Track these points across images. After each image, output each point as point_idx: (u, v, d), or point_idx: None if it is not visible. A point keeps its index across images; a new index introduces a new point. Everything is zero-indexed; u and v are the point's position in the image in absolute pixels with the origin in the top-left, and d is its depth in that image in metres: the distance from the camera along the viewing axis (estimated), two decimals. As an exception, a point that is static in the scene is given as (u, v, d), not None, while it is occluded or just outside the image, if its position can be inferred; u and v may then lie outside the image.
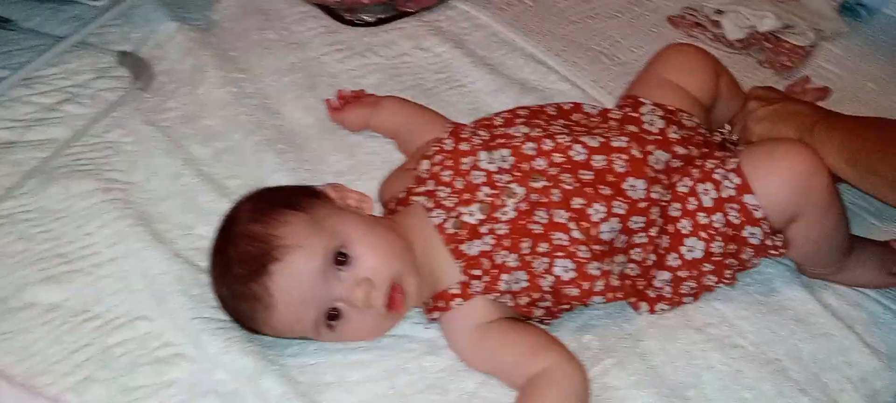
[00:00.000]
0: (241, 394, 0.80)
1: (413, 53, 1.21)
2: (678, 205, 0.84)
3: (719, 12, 1.21)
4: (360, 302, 0.78)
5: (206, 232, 0.93)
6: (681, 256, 0.84)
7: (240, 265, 0.78)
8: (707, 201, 0.83)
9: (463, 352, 0.84)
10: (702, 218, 0.83)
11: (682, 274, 0.85)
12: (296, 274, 0.77)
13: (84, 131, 1.06)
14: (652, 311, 0.87)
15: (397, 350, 0.85)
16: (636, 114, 0.92)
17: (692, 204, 0.84)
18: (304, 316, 0.79)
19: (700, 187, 0.84)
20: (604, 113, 0.95)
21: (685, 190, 0.85)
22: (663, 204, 0.85)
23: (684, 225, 0.84)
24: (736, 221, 0.82)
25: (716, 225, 0.83)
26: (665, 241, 0.85)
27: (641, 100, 0.94)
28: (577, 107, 0.97)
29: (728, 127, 0.95)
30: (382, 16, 1.26)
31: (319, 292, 0.78)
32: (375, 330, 0.83)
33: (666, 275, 0.86)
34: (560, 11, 1.31)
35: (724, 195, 0.82)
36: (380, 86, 1.15)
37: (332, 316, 0.80)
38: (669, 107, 0.93)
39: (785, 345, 0.86)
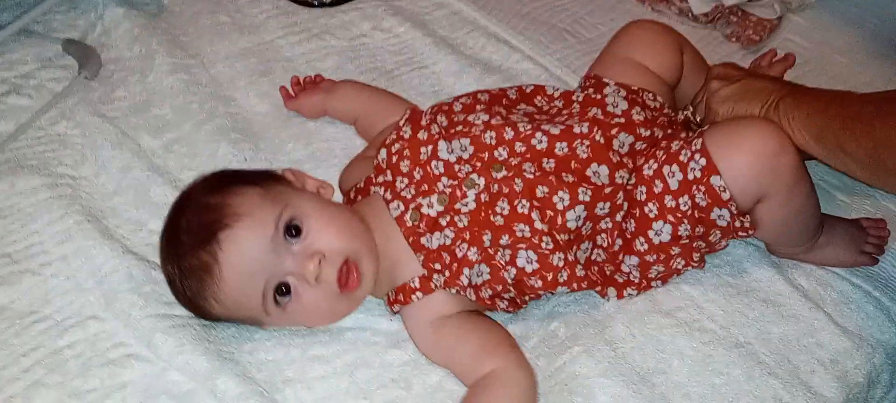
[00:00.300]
0: (196, 395, 0.77)
1: (372, 35, 1.17)
2: (643, 189, 0.83)
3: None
4: (311, 274, 0.75)
5: (157, 228, 0.90)
6: (648, 240, 0.83)
7: (189, 234, 0.76)
8: (673, 183, 0.81)
9: (422, 345, 0.82)
10: (668, 201, 0.81)
11: (649, 258, 0.83)
12: (245, 241, 0.75)
13: (29, 124, 1.01)
14: (620, 297, 0.85)
15: (359, 343, 0.83)
16: (599, 96, 0.90)
17: (658, 186, 0.82)
18: (253, 289, 0.76)
19: (666, 169, 0.82)
20: (566, 95, 0.93)
21: (650, 173, 0.83)
22: (628, 187, 0.84)
23: (650, 208, 0.82)
24: (703, 203, 0.81)
25: (683, 207, 0.81)
26: (632, 225, 0.83)
27: (604, 80, 0.91)
28: (538, 89, 0.94)
29: (690, 108, 0.93)
30: (340, -4, 1.23)
31: (269, 263, 0.75)
32: (327, 312, 0.80)
33: (634, 260, 0.84)
34: (522, -12, 1.28)
35: (690, 177, 0.81)
36: (338, 69, 1.11)
37: (282, 291, 0.77)
38: (633, 88, 0.90)
39: (754, 328, 0.84)
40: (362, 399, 0.78)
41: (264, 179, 0.82)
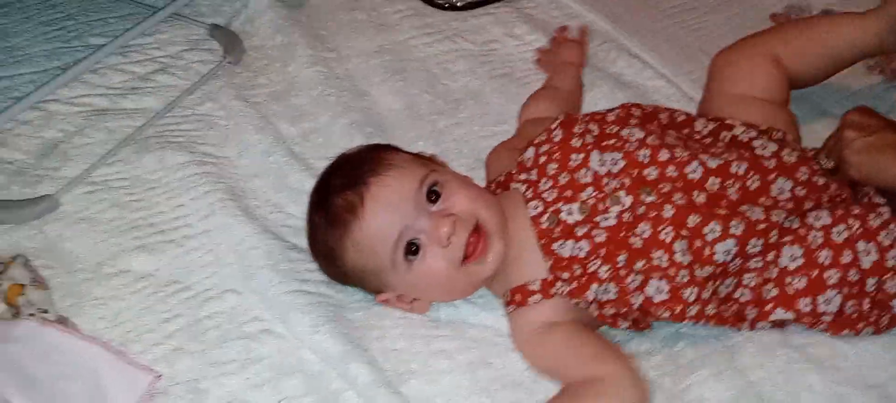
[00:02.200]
0: (326, 377, 0.80)
1: (503, 40, 1.19)
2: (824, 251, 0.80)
3: (828, 12, 1.16)
4: (443, 234, 0.78)
5: (295, 212, 0.94)
6: (814, 305, 0.80)
7: (342, 177, 0.82)
8: (866, 263, 0.79)
9: (524, 347, 0.82)
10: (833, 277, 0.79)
11: (807, 321, 0.81)
12: (390, 188, 0.79)
13: (176, 102, 1.07)
14: (752, 327, 0.83)
15: (482, 342, 0.84)
16: (742, 139, 0.87)
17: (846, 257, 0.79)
18: (388, 235, 0.78)
19: (860, 246, 0.79)
20: (715, 132, 0.91)
21: (826, 235, 0.80)
22: (787, 228, 0.81)
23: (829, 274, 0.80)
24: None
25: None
26: (798, 283, 0.80)
27: (727, 121, 0.89)
28: (688, 121, 0.93)
29: (824, 158, 0.90)
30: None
31: (408, 213, 0.79)
32: (446, 281, 0.81)
33: (787, 316, 0.81)
34: (655, 4, 1.27)
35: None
36: (469, 72, 1.13)
37: (412, 250, 0.79)
38: (762, 127, 0.88)
39: (890, 371, 0.81)
40: (485, 398, 0.79)
41: (415, 153, 0.87)
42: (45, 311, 0.79)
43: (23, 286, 0.80)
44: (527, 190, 0.85)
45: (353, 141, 1.02)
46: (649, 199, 0.81)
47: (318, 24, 1.19)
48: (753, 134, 0.88)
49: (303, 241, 0.90)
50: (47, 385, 0.72)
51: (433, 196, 0.81)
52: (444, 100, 1.10)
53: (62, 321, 0.79)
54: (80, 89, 1.08)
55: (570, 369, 0.78)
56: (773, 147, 0.86)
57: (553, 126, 0.89)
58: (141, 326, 0.83)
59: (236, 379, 0.79)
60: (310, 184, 0.88)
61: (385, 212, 0.79)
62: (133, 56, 1.13)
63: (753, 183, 0.83)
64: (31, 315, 0.77)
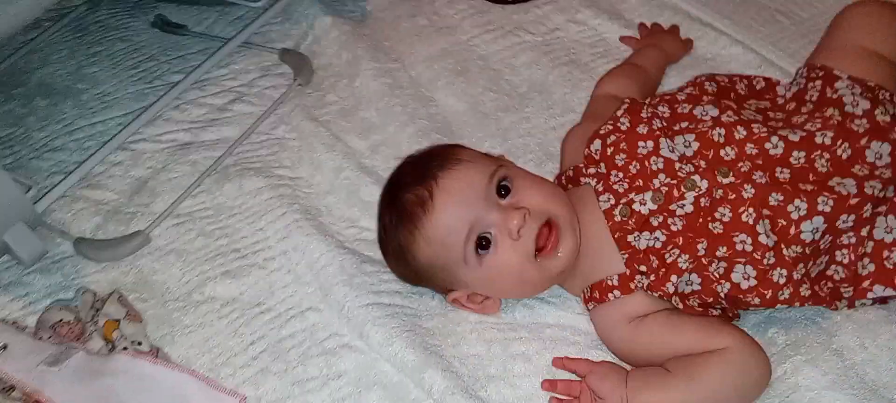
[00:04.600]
0: (405, 387, 0.81)
1: (566, 27, 1.16)
2: None
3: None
4: (514, 226, 0.77)
5: (368, 224, 0.96)
6: None
7: (411, 174, 0.82)
8: None
9: (617, 345, 0.79)
10: None
11: None
12: (460, 182, 0.79)
13: (252, 129, 1.10)
14: (850, 306, 0.78)
15: (560, 342, 0.82)
16: (834, 93, 0.82)
17: None
18: (458, 230, 0.78)
19: None
20: (799, 94, 0.85)
21: None
22: (880, 198, 0.75)
23: None
24: None
25: None
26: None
27: (835, 72, 0.83)
28: (770, 86, 0.88)
29: None
30: (532, -9, 1.23)
31: (478, 207, 0.78)
32: (517, 276, 0.80)
33: (887, 293, 0.76)
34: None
35: None
36: (532, 64, 1.11)
37: (483, 245, 0.79)
38: (870, 83, 0.82)
39: None
40: (565, 399, 0.78)
41: (483, 152, 0.87)
42: (139, 343, 0.84)
43: (118, 321, 0.85)
44: (597, 183, 0.83)
45: (420, 148, 1.03)
46: (727, 180, 0.77)
47: (380, 35, 1.20)
48: (848, 90, 0.81)
49: (377, 253, 0.91)
50: (142, 415, 0.76)
51: (503, 190, 0.80)
52: (508, 96, 1.09)
53: (155, 351, 0.84)
54: (163, 127, 1.13)
55: (680, 349, 0.75)
56: (865, 104, 0.80)
57: (619, 113, 0.86)
58: (228, 350, 0.86)
59: (319, 396, 0.81)
60: (380, 195, 0.89)
61: (455, 206, 0.78)
62: (210, 89, 1.17)
63: (844, 151, 0.77)
64: (125, 348, 0.81)
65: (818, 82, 0.84)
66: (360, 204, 0.99)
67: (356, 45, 1.17)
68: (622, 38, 1.11)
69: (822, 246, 0.76)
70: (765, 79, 0.89)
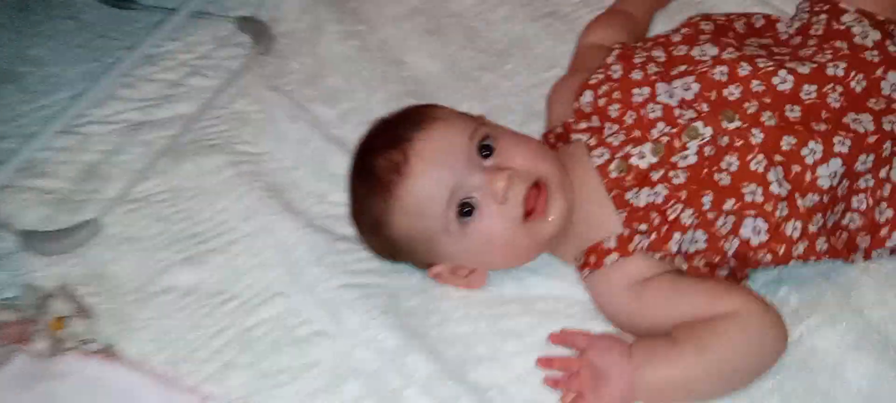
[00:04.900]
0: (385, 374, 0.73)
1: (547, -23, 1.08)
2: None
3: None
4: (499, 189, 0.70)
5: (339, 199, 0.88)
6: None
7: (384, 136, 0.74)
8: None
9: (617, 315, 0.72)
10: None
11: None
12: (437, 142, 0.72)
13: (210, 104, 1.02)
14: (867, 257, 0.71)
15: (554, 315, 0.75)
16: (840, 26, 0.75)
17: None
18: (438, 195, 0.71)
19: None
20: (804, 29, 0.78)
21: None
22: None
23: None
24: None
25: None
26: None
27: (841, 4, 0.76)
28: (770, 24, 0.80)
29: None
30: (508, -59, 1.14)
31: (459, 169, 0.71)
32: (506, 242, 0.73)
33: None
34: None
35: None
36: (510, 18, 1.04)
37: (466, 211, 0.71)
38: (878, 17, 0.75)
39: None
40: (563, 378, 0.71)
41: (462, 112, 0.79)
42: (90, 341, 0.76)
43: (64, 318, 0.77)
44: (589, 138, 0.75)
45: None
46: (733, 125, 0.70)
47: (346, -4, 1.12)
48: (856, 22, 0.74)
49: (350, 230, 0.83)
50: (91, 422, 0.68)
51: (485, 151, 0.73)
52: (485, 53, 1.01)
53: (106, 350, 0.76)
54: (113, 107, 1.04)
55: (686, 315, 0.67)
56: (875, 35, 0.72)
57: (610, 60, 0.78)
58: (189, 344, 0.78)
59: (291, 389, 0.74)
60: (351, 166, 0.82)
61: (433, 169, 0.71)
62: (163, 63, 1.08)
63: (858, 84, 0.70)
64: (72, 348, 0.73)
65: (823, 16, 0.77)
66: (329, 177, 0.91)
67: (318, 8, 1.09)
68: None
69: (839, 193, 0.69)
70: (764, 16, 0.82)
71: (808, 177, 0.67)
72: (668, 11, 0.99)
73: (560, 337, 0.72)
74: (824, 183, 0.68)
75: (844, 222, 0.71)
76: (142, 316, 0.81)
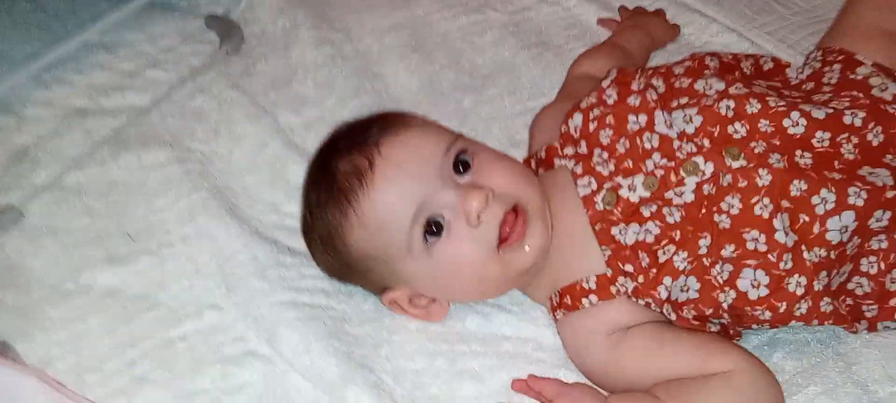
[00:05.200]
0: (320, 408, 0.63)
1: (537, 8, 1.01)
2: None
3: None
4: (474, 209, 0.62)
5: (293, 210, 0.80)
6: None
7: (349, 139, 0.66)
8: None
9: (591, 365, 0.64)
10: None
11: None
12: (409, 149, 0.64)
13: (163, 97, 0.93)
14: (871, 329, 0.63)
15: (520, 359, 0.66)
16: (856, 77, 0.69)
17: None
18: (403, 210, 0.62)
19: None
20: (816, 75, 0.72)
21: None
22: None
23: None
24: None
25: None
26: None
27: (857, 57, 0.70)
28: (779, 67, 0.74)
29: None
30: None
31: (430, 184, 0.63)
32: (474, 271, 0.64)
33: None
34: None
35: None
36: (497, 44, 0.97)
37: (433, 230, 0.63)
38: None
39: None
40: (523, 430, 0.62)
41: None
42: (-18, 337, 0.65)
43: (-43, 307, 0.67)
44: (575, 165, 0.68)
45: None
46: (737, 164, 0.62)
47: (325, 3, 1.04)
48: (874, 75, 0.68)
49: (301, 244, 0.74)
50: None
51: (462, 166, 0.65)
52: (469, 75, 0.94)
53: (0, 347, 0.65)
54: (58, 90, 0.95)
55: (671, 371, 0.60)
56: (895, 88, 0.66)
57: (605, 84, 0.71)
58: (100, 352, 0.69)
59: (209, 414, 0.63)
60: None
61: (401, 179, 0.63)
62: (120, 52, 1.00)
63: (875, 137, 0.63)
64: (-42, 341, 0.62)
65: (837, 66, 0.71)
66: (285, 186, 0.82)
67: (296, 12, 1.01)
68: (600, 21, 0.97)
69: (848, 251, 0.61)
70: (773, 59, 0.75)
71: (816, 228, 0.60)
72: (665, 52, 0.93)
73: (525, 385, 0.63)
74: (834, 237, 0.60)
75: (850, 286, 0.63)
76: (51, 316, 0.72)
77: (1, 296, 0.73)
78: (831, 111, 0.63)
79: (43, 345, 0.69)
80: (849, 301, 0.63)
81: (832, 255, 0.60)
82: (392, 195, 0.63)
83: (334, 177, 0.65)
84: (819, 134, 0.63)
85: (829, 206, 0.60)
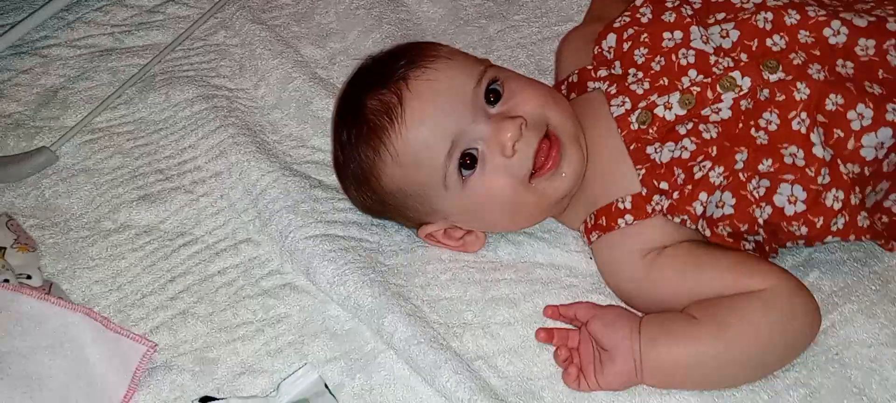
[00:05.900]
0: (358, 335, 0.65)
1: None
2: None
3: None
4: (509, 140, 0.61)
5: (321, 144, 0.80)
6: None
7: (377, 74, 0.65)
8: None
9: (626, 286, 0.64)
10: None
11: None
12: (439, 82, 0.63)
13: (185, 34, 0.93)
14: (909, 247, 0.63)
15: (553, 285, 0.67)
16: None
17: None
18: (437, 144, 0.62)
19: None
20: None
21: None
22: None
23: None
24: None
25: None
26: None
27: None
28: None
29: None
30: None
31: (464, 117, 0.62)
32: (509, 201, 0.64)
33: None
34: None
35: None
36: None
37: (467, 162, 0.63)
38: None
39: None
40: (557, 354, 0.62)
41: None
42: (28, 277, 0.67)
43: (2, 249, 0.68)
44: (609, 86, 0.67)
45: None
46: (776, 77, 0.61)
47: (345, -68, 1.02)
48: None
49: (331, 178, 0.75)
50: (17, 361, 0.59)
51: (493, 95, 0.64)
52: (494, 1, 0.92)
53: (47, 287, 0.67)
54: (82, 30, 0.95)
55: (707, 290, 0.59)
56: None
57: (639, 2, 0.69)
58: (141, 288, 0.70)
59: (251, 345, 0.65)
60: (336, 110, 0.73)
61: (433, 114, 0.62)
62: (140, -12, 1.00)
63: None
64: (6, 281, 0.64)
65: None
66: (312, 119, 0.82)
67: (315, -58, 1.00)
68: None
69: (884, 168, 0.60)
70: None
71: (850, 143, 0.59)
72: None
73: (557, 312, 0.64)
74: (868, 154, 0.59)
75: (887, 204, 0.62)
76: (91, 254, 0.73)
77: (41, 237, 0.74)
78: (874, 19, 0.62)
79: (86, 283, 0.70)
80: (885, 218, 0.63)
81: (867, 171, 0.60)
82: (425, 131, 0.62)
83: (364, 115, 0.64)
84: (862, 41, 0.61)
85: (866, 122, 0.59)
